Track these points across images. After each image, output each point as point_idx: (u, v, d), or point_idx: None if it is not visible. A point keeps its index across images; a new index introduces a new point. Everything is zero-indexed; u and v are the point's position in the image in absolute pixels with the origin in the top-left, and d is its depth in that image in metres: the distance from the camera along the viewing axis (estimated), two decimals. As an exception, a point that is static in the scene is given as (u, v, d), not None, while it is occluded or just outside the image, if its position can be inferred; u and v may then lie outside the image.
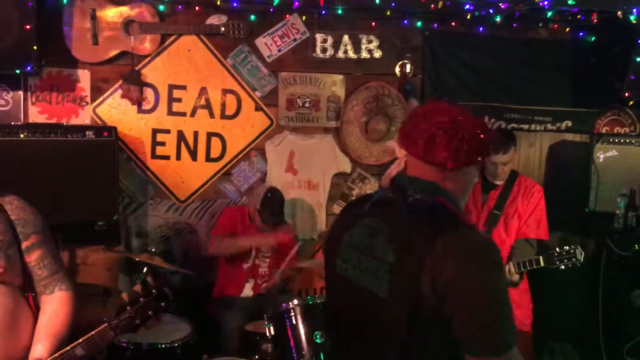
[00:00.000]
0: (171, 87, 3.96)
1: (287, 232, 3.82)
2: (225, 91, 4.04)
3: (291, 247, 3.71)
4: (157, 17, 3.81)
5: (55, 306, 1.96)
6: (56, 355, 1.83)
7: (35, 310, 1.96)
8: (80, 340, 1.84)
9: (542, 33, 4.36)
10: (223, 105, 4.05)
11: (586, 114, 4.45)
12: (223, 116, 4.06)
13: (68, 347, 1.84)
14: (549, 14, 4.10)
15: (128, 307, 1.87)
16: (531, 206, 3.46)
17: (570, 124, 4.44)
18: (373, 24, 4.13)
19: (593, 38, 4.27)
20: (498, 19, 4.09)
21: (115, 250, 3.81)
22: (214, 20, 3.92)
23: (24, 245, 1.91)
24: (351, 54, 4.17)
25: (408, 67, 4.22)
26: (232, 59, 4.02)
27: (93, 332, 1.86)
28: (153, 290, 1.89)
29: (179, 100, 3.98)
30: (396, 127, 4.25)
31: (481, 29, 4.22)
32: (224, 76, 4.03)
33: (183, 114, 4.00)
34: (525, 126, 4.40)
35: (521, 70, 4.33)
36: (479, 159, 1.57)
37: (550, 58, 4.32)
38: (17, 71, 3.41)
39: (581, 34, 4.30)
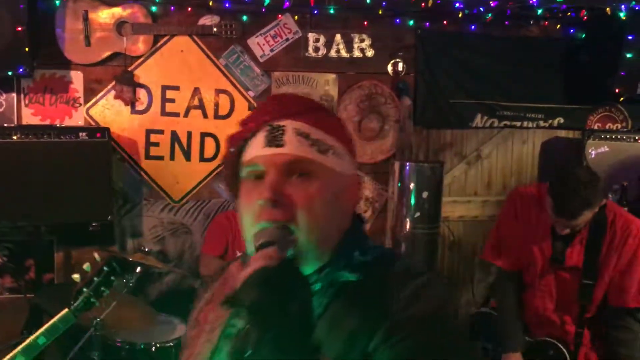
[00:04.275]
0: (164, 88, 3.96)
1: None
2: (219, 91, 4.05)
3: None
4: (150, 18, 3.82)
5: None
6: (22, 345, 1.84)
7: None
8: (42, 329, 1.87)
9: (533, 30, 4.38)
10: (216, 105, 4.06)
11: (578, 111, 4.48)
12: (216, 116, 4.07)
13: (32, 337, 1.86)
14: (539, 11, 4.13)
15: (84, 289, 1.96)
16: (628, 256, 2.56)
17: (562, 120, 4.47)
18: (365, 23, 4.15)
19: (583, 35, 4.29)
20: (489, 16, 4.11)
21: (109, 251, 3.81)
22: (206, 20, 3.93)
23: None
24: (344, 53, 4.19)
25: (400, 66, 4.24)
26: (224, 59, 4.03)
27: (55, 319, 1.89)
28: (104, 268, 1.94)
29: (172, 100, 3.99)
30: (389, 126, 4.27)
31: (473, 27, 4.24)
32: (217, 76, 4.04)
33: (176, 115, 4.01)
34: (518, 123, 4.43)
35: (513, 67, 4.36)
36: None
37: (542, 55, 4.35)
38: (10, 73, 3.40)
39: (572, 30, 4.33)
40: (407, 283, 1.04)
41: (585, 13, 4.12)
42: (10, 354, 1.84)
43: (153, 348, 3.08)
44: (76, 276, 2.08)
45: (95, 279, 2.02)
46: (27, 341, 1.87)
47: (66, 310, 1.98)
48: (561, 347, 2.65)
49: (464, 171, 4.49)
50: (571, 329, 2.67)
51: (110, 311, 2.78)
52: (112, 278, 2.04)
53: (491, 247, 2.94)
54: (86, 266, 2.08)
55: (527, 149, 4.55)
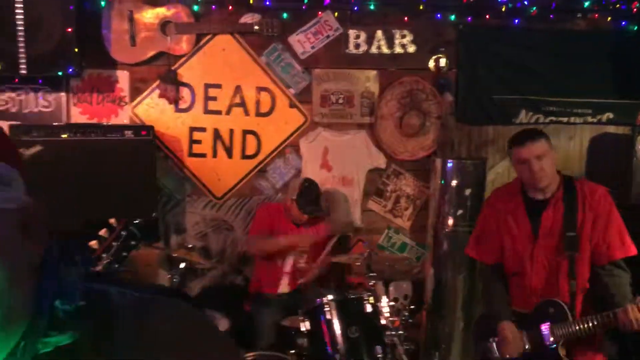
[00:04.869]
0: (207, 86, 4.02)
1: (323, 228, 3.85)
2: (260, 89, 4.09)
3: (327, 243, 3.73)
4: (193, 18, 3.88)
5: None
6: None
7: None
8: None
9: (580, 24, 4.25)
10: (257, 102, 4.09)
11: (628, 106, 4.33)
12: (258, 114, 4.11)
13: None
14: (587, 3, 4.01)
15: (104, 255, 1.96)
16: (603, 217, 2.72)
17: (611, 116, 4.33)
18: (406, 18, 4.11)
19: (635, 27, 4.15)
20: (533, 10, 4.02)
21: (154, 247, 3.90)
22: (247, 19, 3.97)
23: None
24: (385, 50, 4.16)
25: (442, 62, 4.19)
26: (265, 57, 4.06)
27: None
28: (122, 232, 1.92)
29: (214, 98, 4.04)
30: (430, 122, 4.23)
31: (516, 21, 4.15)
32: (258, 74, 4.07)
33: (219, 112, 4.06)
34: (565, 119, 4.32)
35: (559, 62, 4.24)
36: None
37: (589, 49, 4.22)
38: (60, 73, 3.51)
39: (623, 23, 4.19)
40: (154, 329, 0.81)
41: (637, 5, 3.98)
42: None
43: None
44: (94, 243, 2.07)
45: (114, 244, 2.02)
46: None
47: None
48: (559, 302, 2.70)
49: (507, 168, 4.39)
50: (566, 298, 2.75)
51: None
52: (132, 242, 2.03)
53: (472, 243, 3.12)
54: (104, 232, 2.07)
55: (574, 145, 4.43)
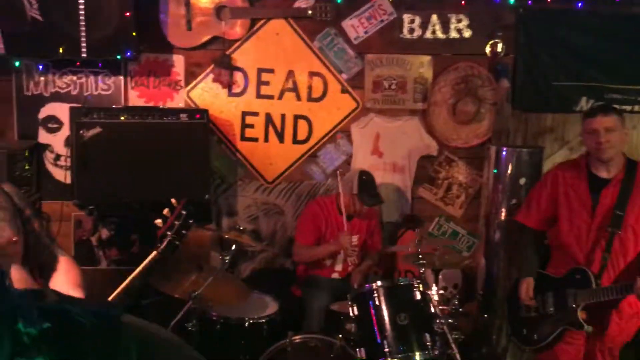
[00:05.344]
0: (260, 71, 4.04)
1: (374, 219, 3.83)
2: (312, 74, 4.08)
3: (375, 232, 3.69)
4: (247, 2, 3.90)
5: (65, 266, 2.02)
6: (119, 289, 1.95)
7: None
8: (136, 272, 2.03)
9: (648, 7, 4.05)
10: (310, 87, 4.09)
11: (698, 93, 4.11)
12: (310, 99, 4.10)
13: (127, 281, 1.97)
14: (657, -14, 3.81)
15: (168, 233, 2.16)
16: None
17: (678, 104, 4.12)
18: (462, 2, 4.01)
19: None
20: (599, -7, 3.85)
21: (206, 228, 3.97)
22: (301, 3, 3.96)
23: (25, 215, 1.93)
24: (439, 34, 4.08)
25: (499, 47, 4.07)
26: (319, 42, 4.05)
27: (146, 261, 2.09)
28: (182, 212, 2.15)
29: (267, 83, 4.06)
30: (485, 109, 4.13)
31: (580, 4, 3.99)
32: (310, 59, 4.06)
33: (271, 97, 4.08)
34: (628, 107, 4.12)
35: (624, 47, 4.05)
36: None
37: (656, 34, 4.02)
38: (118, 57, 3.59)
39: (695, 6, 3.97)
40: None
41: None
42: (114, 293, 1.96)
43: (246, 323, 3.19)
44: (159, 221, 2.24)
45: (176, 222, 2.21)
46: (124, 284, 2.00)
47: (155, 252, 2.19)
48: (587, 270, 2.91)
49: (566, 157, 4.24)
50: (596, 269, 2.94)
51: (207, 286, 2.91)
52: (190, 221, 2.21)
53: (522, 209, 3.29)
54: (166, 212, 2.24)
55: (637, 135, 4.24)
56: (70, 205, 3.70)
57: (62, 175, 3.92)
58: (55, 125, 3.91)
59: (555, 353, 3.04)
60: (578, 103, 4.13)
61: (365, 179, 3.70)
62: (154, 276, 3.09)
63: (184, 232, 2.21)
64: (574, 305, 2.91)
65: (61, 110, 3.84)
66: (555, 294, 3.02)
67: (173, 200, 2.28)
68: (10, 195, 1.87)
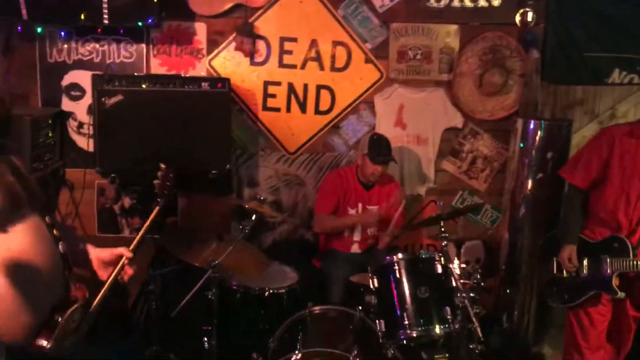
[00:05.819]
0: (282, 40, 3.98)
1: (393, 192, 3.78)
2: (336, 43, 4.00)
3: (397, 208, 3.65)
4: (270, -32, 3.82)
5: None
6: (134, 243, 1.95)
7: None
8: (145, 227, 2.06)
9: (688, -26, 3.88)
10: (333, 57, 4.02)
11: None
12: (333, 69, 4.03)
13: (140, 234, 2.01)
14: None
15: (166, 191, 2.36)
16: None
17: None
18: (493, -31, 3.88)
19: None
20: (636, -41, 3.69)
21: (227, 198, 3.97)
22: (325, -30, 3.86)
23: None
24: (467, 3, 3.96)
25: (530, 16, 3.94)
26: (343, 10, 3.96)
27: (151, 216, 2.12)
28: (170, 175, 2.40)
29: (289, 52, 4.00)
30: (513, 80, 4.02)
31: (615, -29, 3.83)
32: (334, 28, 3.98)
33: (293, 67, 4.02)
34: (663, 80, 3.99)
35: (660, 18, 3.90)
36: None
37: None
38: (140, 23, 3.56)
39: None
40: None
41: None
42: (132, 244, 1.95)
43: (266, 293, 3.19)
44: (157, 182, 2.37)
45: (167, 183, 2.40)
46: (137, 237, 2.00)
47: (157, 207, 2.22)
48: (625, 239, 2.94)
49: (595, 131, 4.14)
50: (635, 241, 2.96)
51: (227, 255, 2.91)
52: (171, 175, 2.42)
53: (569, 166, 3.23)
54: (159, 174, 2.39)
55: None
56: (93, 173, 3.71)
57: (84, 142, 3.93)
58: (78, 93, 3.92)
59: (586, 312, 3.10)
60: (610, 75, 4.00)
61: (377, 139, 3.65)
62: (173, 244, 3.11)
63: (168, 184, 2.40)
64: (609, 272, 2.95)
65: (84, 78, 3.84)
66: (590, 259, 3.06)
67: (162, 165, 2.42)
68: (19, 167, 1.86)
